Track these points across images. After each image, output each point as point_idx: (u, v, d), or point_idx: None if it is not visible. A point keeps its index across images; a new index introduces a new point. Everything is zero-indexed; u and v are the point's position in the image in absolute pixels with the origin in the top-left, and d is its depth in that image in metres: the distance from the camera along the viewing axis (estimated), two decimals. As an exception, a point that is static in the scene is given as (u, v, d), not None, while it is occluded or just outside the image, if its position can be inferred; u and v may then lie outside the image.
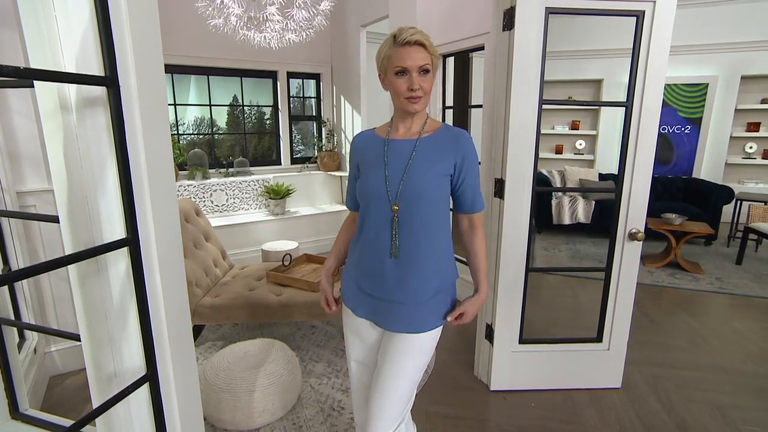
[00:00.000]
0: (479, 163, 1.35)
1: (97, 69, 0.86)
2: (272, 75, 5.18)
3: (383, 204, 1.26)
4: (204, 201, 4.46)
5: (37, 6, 0.84)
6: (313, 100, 5.63)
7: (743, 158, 6.25)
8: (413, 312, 1.30)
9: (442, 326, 1.36)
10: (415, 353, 1.32)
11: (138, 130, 0.92)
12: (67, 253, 0.88)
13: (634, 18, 1.97)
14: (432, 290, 1.30)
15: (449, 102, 3.68)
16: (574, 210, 5.40)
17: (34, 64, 0.86)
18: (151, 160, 0.96)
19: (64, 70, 0.86)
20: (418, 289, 1.28)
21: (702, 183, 5.50)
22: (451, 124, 4.01)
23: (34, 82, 0.89)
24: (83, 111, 0.88)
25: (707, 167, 6.30)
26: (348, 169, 1.50)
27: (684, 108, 6.28)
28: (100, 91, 0.87)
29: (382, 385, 1.32)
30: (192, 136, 5.00)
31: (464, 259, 3.03)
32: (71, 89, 0.87)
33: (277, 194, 4.64)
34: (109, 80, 0.85)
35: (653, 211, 4.32)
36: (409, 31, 1.19)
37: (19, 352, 2.13)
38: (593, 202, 5.36)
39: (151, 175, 0.96)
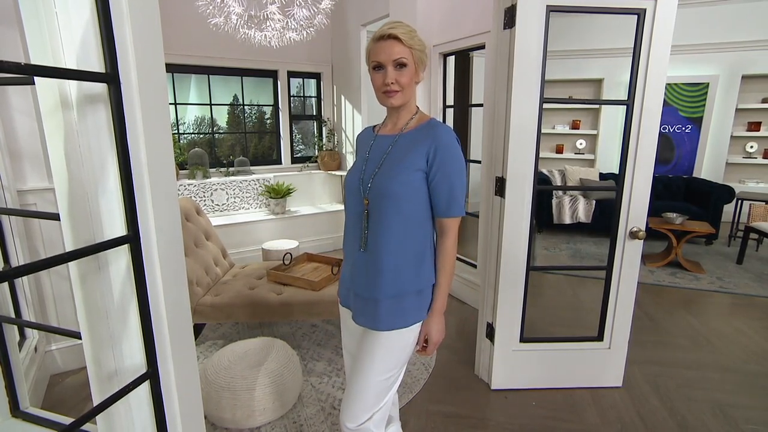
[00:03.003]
0: (466, 162, 1.32)
1: (97, 66, 0.85)
2: (273, 74, 5.17)
3: (357, 197, 1.29)
4: (204, 200, 4.46)
5: (38, 3, 0.84)
6: (313, 99, 5.63)
7: (744, 158, 6.25)
8: (374, 308, 1.28)
9: (407, 329, 1.29)
10: (376, 350, 1.28)
11: (139, 127, 0.92)
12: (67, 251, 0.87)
13: (635, 16, 1.96)
14: (392, 289, 1.26)
15: (450, 101, 3.68)
16: (575, 209, 5.40)
17: (35, 61, 0.86)
18: (152, 157, 0.95)
19: (65, 67, 0.86)
20: (378, 286, 1.26)
21: (703, 182, 5.50)
22: (452, 124, 3.99)
23: (35, 78, 0.89)
24: (84, 108, 0.88)
25: (708, 167, 6.30)
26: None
27: (685, 107, 6.28)
28: (100, 87, 0.87)
29: (349, 378, 1.37)
30: (192, 135, 4.99)
31: (467, 259, 3.00)
32: (72, 86, 0.87)
33: (278, 193, 4.64)
34: (110, 77, 0.85)
35: (654, 211, 4.32)
36: (387, 25, 1.20)
37: (19, 351, 2.13)
38: (594, 202, 5.36)
39: (151, 172, 0.95)
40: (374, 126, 1.44)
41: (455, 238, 1.29)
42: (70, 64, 0.86)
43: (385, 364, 1.29)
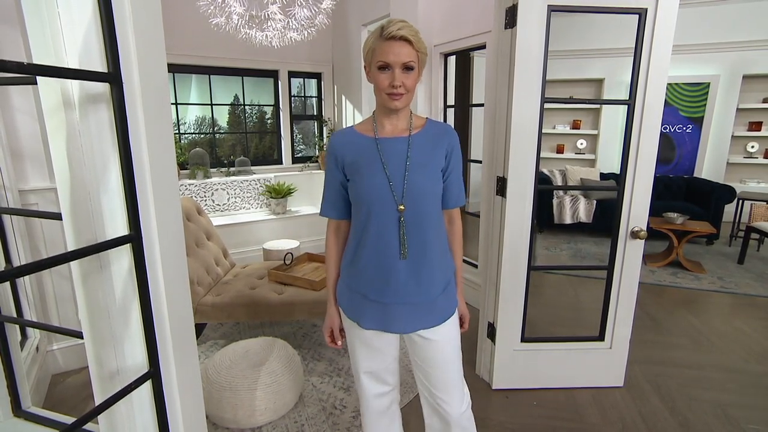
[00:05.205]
0: (467, 162, 1.38)
1: (100, 65, 0.85)
2: (273, 74, 5.18)
3: (388, 206, 1.22)
4: (205, 200, 4.46)
5: (40, 2, 0.84)
6: (314, 99, 5.63)
7: (745, 157, 6.24)
8: (430, 307, 1.31)
9: (456, 309, 1.40)
10: (446, 341, 1.36)
11: (141, 126, 0.92)
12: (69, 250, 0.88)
13: (636, 16, 1.96)
14: (443, 283, 1.34)
15: (450, 101, 3.68)
16: (576, 209, 5.39)
17: (37, 61, 0.86)
18: (154, 157, 0.96)
19: (67, 67, 0.86)
20: (431, 286, 1.29)
21: (704, 182, 5.49)
22: (453, 123, 3.99)
23: (37, 78, 0.89)
24: (86, 107, 0.88)
25: (709, 166, 6.29)
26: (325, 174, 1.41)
27: (685, 107, 6.27)
28: (102, 87, 0.87)
29: (442, 381, 1.37)
30: (193, 135, 5.00)
31: (468, 259, 2.99)
32: (74, 85, 0.87)
33: (279, 193, 4.64)
34: (112, 76, 0.85)
35: (655, 211, 4.31)
36: (396, 25, 1.16)
37: (21, 350, 2.13)
38: (594, 202, 5.35)
39: (153, 171, 0.95)
40: (351, 128, 1.34)
41: (460, 222, 1.45)
42: (73, 64, 0.86)
43: (458, 339, 1.41)
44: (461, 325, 1.45)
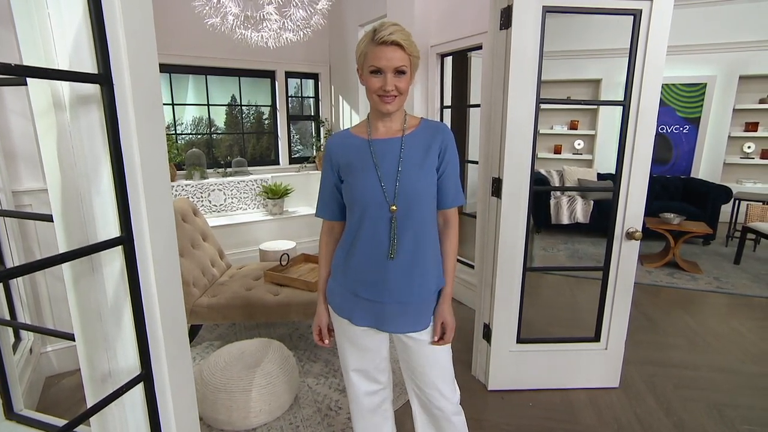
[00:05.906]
0: (465, 163, 1.35)
1: (90, 66, 0.85)
2: (270, 75, 5.17)
3: (380, 206, 1.23)
4: (202, 201, 4.45)
5: (30, 3, 0.84)
6: (311, 99, 5.63)
7: (741, 158, 6.25)
8: (423, 308, 1.31)
9: None
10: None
11: (132, 127, 0.92)
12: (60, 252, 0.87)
13: (631, 17, 1.97)
14: (435, 285, 1.33)
15: (447, 102, 3.68)
16: (573, 210, 5.40)
17: (27, 62, 0.86)
18: (146, 158, 0.95)
19: (57, 68, 0.86)
20: (423, 287, 1.29)
21: (700, 183, 5.51)
22: (450, 124, 3.99)
23: (27, 79, 0.88)
24: (77, 109, 0.88)
25: (705, 167, 6.31)
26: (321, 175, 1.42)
27: (682, 108, 6.29)
28: (93, 88, 0.87)
29: (435, 379, 1.37)
30: (190, 135, 4.99)
31: (465, 260, 2.99)
32: (64, 87, 0.87)
33: (275, 194, 4.63)
34: (103, 78, 0.85)
35: (652, 211, 4.33)
36: (387, 30, 1.15)
37: (14, 353, 2.12)
38: (592, 202, 5.36)
39: (145, 173, 0.95)
40: (347, 130, 1.35)
41: (457, 225, 1.39)
42: (63, 65, 0.85)
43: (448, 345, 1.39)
44: (441, 336, 1.33)
